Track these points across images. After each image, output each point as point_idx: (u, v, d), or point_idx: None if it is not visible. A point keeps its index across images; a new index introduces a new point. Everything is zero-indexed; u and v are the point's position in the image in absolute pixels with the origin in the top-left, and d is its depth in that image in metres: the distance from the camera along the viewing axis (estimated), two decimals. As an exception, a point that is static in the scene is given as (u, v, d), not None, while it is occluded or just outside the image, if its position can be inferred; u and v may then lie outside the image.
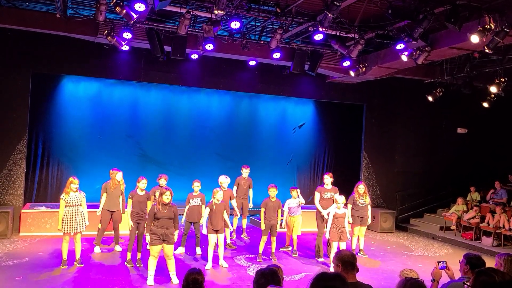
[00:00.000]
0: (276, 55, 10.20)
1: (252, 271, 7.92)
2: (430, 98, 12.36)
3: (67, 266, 7.52)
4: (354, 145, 13.90)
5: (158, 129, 12.91)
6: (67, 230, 7.51)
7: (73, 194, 7.66)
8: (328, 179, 9.33)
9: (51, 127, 11.67)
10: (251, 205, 10.67)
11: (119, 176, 8.78)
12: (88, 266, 7.73)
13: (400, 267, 8.06)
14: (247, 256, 8.94)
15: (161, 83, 12.21)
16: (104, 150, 12.04)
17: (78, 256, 7.74)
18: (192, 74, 11.94)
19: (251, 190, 10.48)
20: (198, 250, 9.02)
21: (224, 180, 9.20)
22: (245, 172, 10.36)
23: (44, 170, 11.61)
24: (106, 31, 8.92)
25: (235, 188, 10.37)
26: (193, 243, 9.14)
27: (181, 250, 8.97)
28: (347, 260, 3.47)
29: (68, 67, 10.85)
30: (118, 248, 8.97)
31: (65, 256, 7.60)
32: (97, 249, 8.75)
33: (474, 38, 7.49)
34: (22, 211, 10.00)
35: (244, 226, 10.77)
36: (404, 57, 9.32)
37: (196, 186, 8.84)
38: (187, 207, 8.80)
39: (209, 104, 13.58)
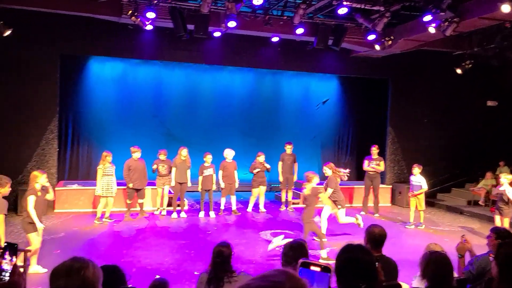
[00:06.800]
0: (299, 31, 10.09)
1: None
2: (458, 71, 12.03)
3: (102, 222, 9.29)
4: (379, 120, 13.73)
5: (182, 107, 13.07)
6: (104, 194, 9.28)
7: (108, 166, 9.31)
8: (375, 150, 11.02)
9: (79, 107, 11.98)
10: (295, 178, 11.40)
11: (184, 152, 10.01)
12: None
13: (426, 241, 8.06)
14: (272, 231, 9.11)
15: (185, 62, 12.30)
16: (131, 129, 12.29)
17: (107, 214, 9.47)
18: (214, 52, 11.95)
19: (296, 165, 11.25)
20: (212, 214, 10.21)
21: (228, 152, 10.39)
22: (289, 148, 11.24)
23: (75, 149, 11.99)
24: (130, 11, 9.02)
25: (280, 164, 11.17)
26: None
27: (201, 214, 10.13)
28: (377, 239, 3.57)
29: (94, 48, 11.03)
30: (183, 214, 10.19)
31: (99, 214, 9.35)
32: (174, 215, 10.06)
33: (505, 8, 7.23)
34: (56, 189, 10.39)
35: (290, 199, 11.35)
36: (431, 29, 9.08)
37: (209, 158, 10.10)
38: (200, 177, 10.03)
39: (232, 81, 13.61)
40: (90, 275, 1.68)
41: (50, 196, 6.62)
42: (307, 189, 7.44)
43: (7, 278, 1.90)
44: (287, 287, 0.84)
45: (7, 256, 1.97)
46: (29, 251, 4.91)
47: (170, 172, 10.07)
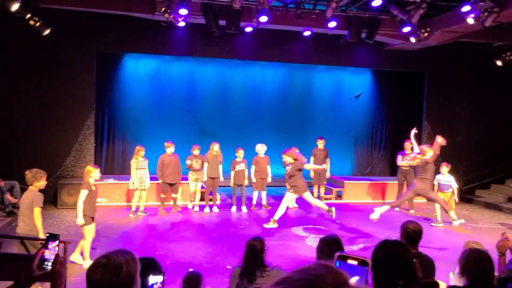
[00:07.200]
0: (332, 24, 9.96)
1: (310, 241, 8.04)
2: (499, 63, 11.56)
3: (136, 215, 9.48)
4: (414, 114, 13.39)
5: (214, 103, 13.18)
6: (137, 188, 9.44)
7: (141, 160, 9.49)
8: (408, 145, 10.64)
9: (115, 103, 12.28)
10: (328, 174, 11.27)
11: (216, 147, 10.04)
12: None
13: (464, 239, 7.82)
14: (304, 226, 9.08)
15: (216, 58, 12.38)
16: (165, 125, 12.50)
17: (142, 208, 9.61)
18: (246, 48, 11.97)
19: (328, 160, 11.17)
20: (244, 209, 10.29)
21: (260, 148, 10.34)
22: (320, 143, 11.13)
23: (111, 145, 12.32)
24: (163, 8, 9.15)
25: (312, 159, 11.09)
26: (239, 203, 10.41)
27: (233, 209, 10.33)
28: (411, 235, 3.52)
29: (128, 45, 11.27)
30: (215, 209, 10.24)
31: (134, 208, 9.56)
32: (206, 209, 10.15)
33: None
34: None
35: (322, 194, 11.37)
36: (470, 20, 8.76)
37: (241, 153, 10.15)
38: (232, 172, 10.13)
39: (264, 77, 13.60)
40: (125, 271, 1.70)
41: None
42: (417, 160, 8.21)
43: (49, 267, 1.97)
44: (329, 280, 0.82)
45: (50, 246, 2.04)
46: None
47: (203, 167, 10.18)
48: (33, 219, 5.43)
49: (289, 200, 8.78)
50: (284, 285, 0.83)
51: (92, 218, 6.49)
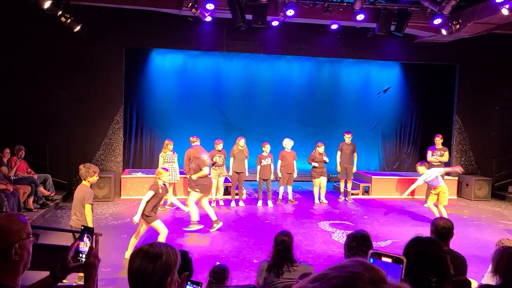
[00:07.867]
0: (360, 17, 9.81)
1: (336, 236, 7.99)
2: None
3: (164, 208, 9.53)
4: (445, 108, 13.06)
5: (241, 97, 13.21)
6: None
7: (169, 153, 9.67)
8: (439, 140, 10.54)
9: (143, 98, 12.47)
10: (355, 169, 11.18)
11: (242, 142, 10.08)
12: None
13: (496, 236, 7.61)
14: (331, 222, 9.02)
15: (243, 52, 12.39)
16: (191, 119, 12.62)
17: (169, 201, 9.50)
18: (273, 42, 11.92)
19: (355, 155, 11.05)
20: (270, 203, 10.27)
21: (288, 142, 10.37)
22: (348, 137, 11.01)
23: (139, 139, 12.54)
24: (190, 4, 9.21)
25: (338, 153, 11.05)
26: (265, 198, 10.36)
27: (259, 203, 10.35)
28: (441, 232, 3.46)
29: (156, 40, 11.40)
30: (241, 203, 10.31)
31: (161, 202, 9.27)
32: (233, 204, 10.21)
33: None
34: (122, 176, 10.94)
35: (349, 189, 11.16)
36: (504, 11, 8.46)
37: (267, 148, 10.16)
38: (258, 167, 10.12)
39: (290, 71, 13.53)
40: (163, 261, 1.75)
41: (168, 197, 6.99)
42: None
43: (83, 259, 2.03)
44: (365, 278, 0.81)
45: (84, 239, 2.10)
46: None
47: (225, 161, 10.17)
48: (84, 214, 5.60)
49: (194, 199, 8.16)
50: (321, 282, 0.82)
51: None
